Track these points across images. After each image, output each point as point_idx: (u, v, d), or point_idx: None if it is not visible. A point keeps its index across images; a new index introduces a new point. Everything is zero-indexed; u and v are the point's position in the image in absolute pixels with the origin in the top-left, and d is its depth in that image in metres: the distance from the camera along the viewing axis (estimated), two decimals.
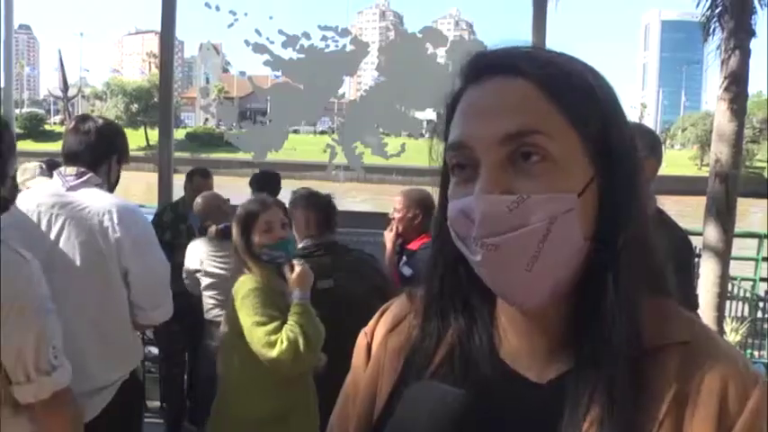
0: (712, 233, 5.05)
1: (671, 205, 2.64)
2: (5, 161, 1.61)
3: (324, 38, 5.06)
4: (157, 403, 4.13)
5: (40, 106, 75.33)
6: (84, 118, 2.22)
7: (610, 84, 0.65)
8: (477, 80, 0.64)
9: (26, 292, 1.45)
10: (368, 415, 0.73)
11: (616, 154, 0.61)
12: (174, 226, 3.99)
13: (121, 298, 2.12)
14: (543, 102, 0.60)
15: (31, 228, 2.03)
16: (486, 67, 0.64)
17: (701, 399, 0.59)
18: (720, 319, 5.13)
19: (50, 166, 3.62)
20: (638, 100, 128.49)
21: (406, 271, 2.97)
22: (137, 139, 45.04)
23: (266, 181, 4.16)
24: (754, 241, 6.88)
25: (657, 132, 6.64)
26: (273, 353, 2.09)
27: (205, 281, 3.36)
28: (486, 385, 0.66)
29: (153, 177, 4.94)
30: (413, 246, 3.08)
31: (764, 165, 43.27)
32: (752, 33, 5.02)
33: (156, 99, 41.50)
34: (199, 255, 3.38)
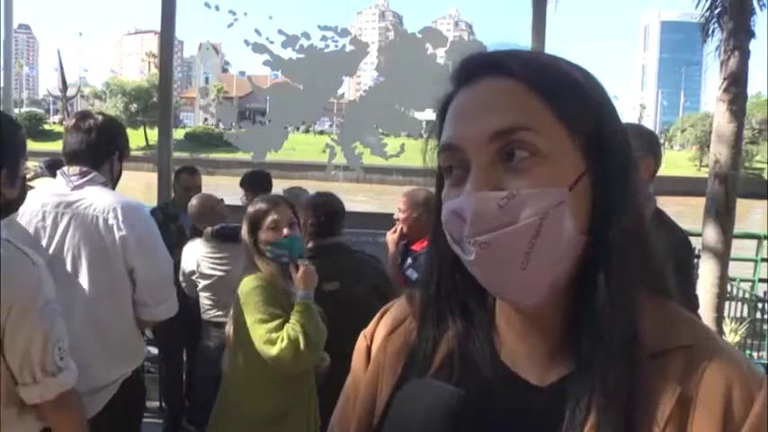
0: (711, 234, 5.06)
1: (670, 206, 2.64)
2: (17, 162, 1.61)
3: (323, 38, 5.07)
4: (156, 403, 4.13)
5: (40, 106, 75.27)
6: (84, 115, 2.21)
7: (600, 82, 0.65)
8: (467, 82, 0.64)
9: (32, 292, 1.45)
10: (368, 417, 0.73)
11: (607, 147, 0.61)
12: (164, 226, 3.97)
13: (126, 295, 2.12)
14: (531, 99, 0.60)
15: (37, 227, 2.04)
16: (475, 68, 0.64)
17: (704, 403, 0.58)
18: (719, 319, 5.14)
19: (52, 165, 3.62)
20: (638, 101, 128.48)
21: (412, 274, 2.95)
22: (136, 138, 45.02)
23: (257, 180, 4.15)
24: (754, 242, 6.88)
25: (656, 133, 6.64)
26: (274, 350, 2.11)
27: (202, 282, 3.36)
28: (487, 388, 0.66)
29: (152, 177, 4.94)
30: (417, 247, 3.07)
31: (764, 166, 43.38)
32: (751, 34, 5.03)
33: (155, 99, 41.59)
34: (195, 256, 3.39)
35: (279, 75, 5.30)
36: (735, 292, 6.14)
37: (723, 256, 5.07)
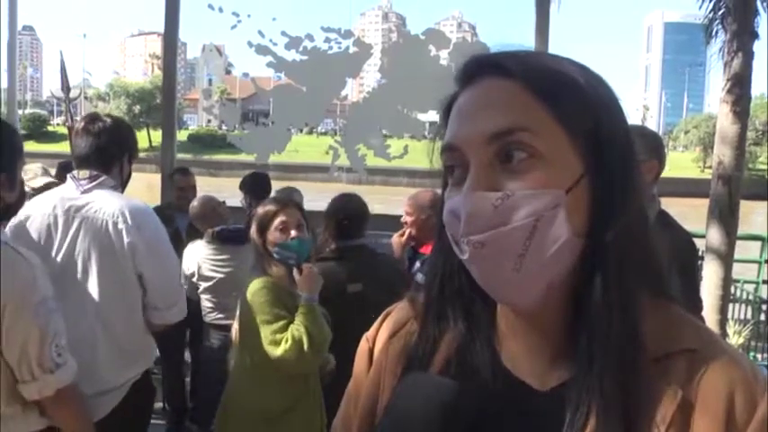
0: (715, 236, 5.05)
1: (673, 207, 2.64)
2: (15, 166, 1.62)
3: (327, 39, 5.09)
4: (159, 404, 4.14)
5: (43, 107, 75.42)
6: (93, 119, 2.22)
7: (605, 82, 0.65)
8: (469, 83, 0.64)
9: (26, 290, 1.47)
10: (369, 418, 0.74)
11: (607, 150, 0.61)
12: None
13: (136, 298, 2.13)
14: (530, 100, 0.60)
15: (48, 231, 2.05)
16: (476, 69, 0.64)
17: (706, 407, 0.57)
18: (723, 321, 5.12)
19: (63, 167, 3.63)
20: (641, 102, 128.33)
21: (421, 278, 2.94)
22: (139, 140, 44.82)
23: (256, 182, 4.15)
24: (757, 244, 6.86)
25: (660, 135, 6.63)
26: (278, 351, 2.14)
27: (202, 284, 3.37)
28: (487, 391, 0.65)
29: (155, 178, 4.95)
30: (425, 249, 3.06)
31: (767, 167, 43.19)
32: (755, 35, 5.03)
33: (158, 100, 41.56)
34: (196, 258, 3.39)
35: (282, 76, 5.31)
36: (738, 293, 6.12)
37: (727, 258, 5.06)
